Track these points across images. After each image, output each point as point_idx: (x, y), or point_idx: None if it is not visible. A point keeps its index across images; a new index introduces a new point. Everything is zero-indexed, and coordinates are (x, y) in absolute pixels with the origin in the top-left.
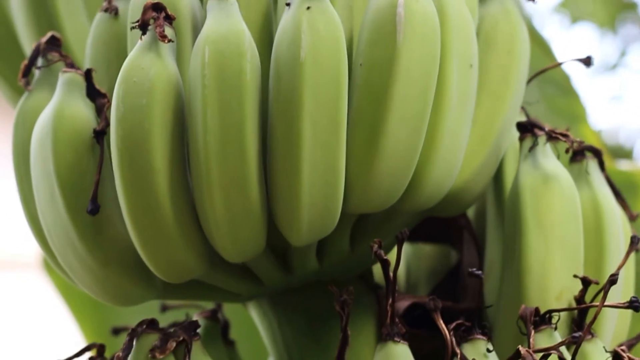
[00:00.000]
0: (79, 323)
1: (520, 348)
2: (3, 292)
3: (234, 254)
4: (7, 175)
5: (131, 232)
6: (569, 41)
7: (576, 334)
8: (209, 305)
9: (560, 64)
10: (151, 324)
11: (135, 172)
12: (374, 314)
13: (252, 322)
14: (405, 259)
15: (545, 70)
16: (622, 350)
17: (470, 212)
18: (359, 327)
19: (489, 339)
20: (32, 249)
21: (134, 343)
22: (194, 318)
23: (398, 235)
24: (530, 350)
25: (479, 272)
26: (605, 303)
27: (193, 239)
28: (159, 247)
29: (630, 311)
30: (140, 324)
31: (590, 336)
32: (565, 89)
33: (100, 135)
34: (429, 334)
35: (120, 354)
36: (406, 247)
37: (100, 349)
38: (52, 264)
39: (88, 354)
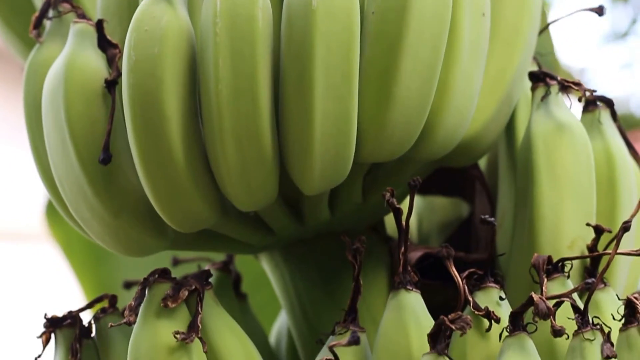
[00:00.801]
0: (81, 282)
1: (533, 295)
2: (8, 263)
3: (246, 202)
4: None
5: (143, 182)
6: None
7: (589, 280)
8: (221, 259)
9: (573, 14)
10: (163, 274)
11: (147, 120)
12: (386, 266)
13: (263, 275)
14: (417, 212)
15: (557, 21)
16: (635, 297)
17: (482, 164)
18: (371, 279)
19: (502, 288)
20: (36, 220)
21: (146, 292)
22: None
23: (410, 182)
24: (543, 297)
25: (492, 219)
26: (618, 251)
27: (205, 188)
28: (171, 196)
29: None
30: (152, 273)
31: (602, 285)
32: None
33: (112, 85)
34: (441, 285)
35: (132, 303)
36: (418, 200)
37: (112, 299)
38: (64, 215)
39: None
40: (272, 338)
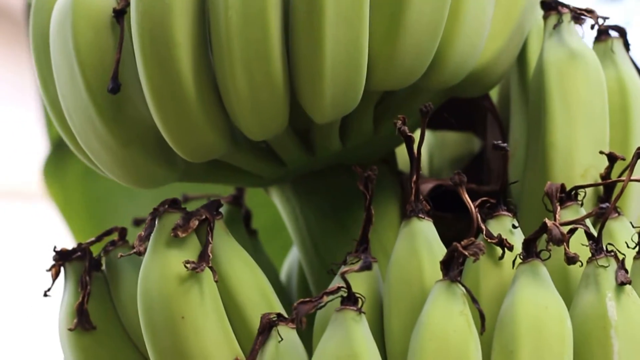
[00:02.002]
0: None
1: (547, 221)
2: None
3: (257, 131)
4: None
5: (152, 111)
6: None
7: (603, 205)
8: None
9: None
10: (173, 204)
11: (157, 48)
12: (397, 198)
13: (274, 213)
14: (428, 148)
15: None
16: None
17: (494, 97)
18: (382, 211)
19: (514, 216)
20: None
21: (156, 222)
22: None
23: (422, 108)
24: (557, 223)
25: (504, 144)
26: (632, 177)
27: (215, 117)
28: (181, 126)
29: None
30: (163, 203)
31: (616, 214)
32: None
33: (120, 14)
34: (453, 217)
35: (142, 233)
36: (429, 136)
37: (122, 232)
38: (72, 148)
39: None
40: (283, 275)
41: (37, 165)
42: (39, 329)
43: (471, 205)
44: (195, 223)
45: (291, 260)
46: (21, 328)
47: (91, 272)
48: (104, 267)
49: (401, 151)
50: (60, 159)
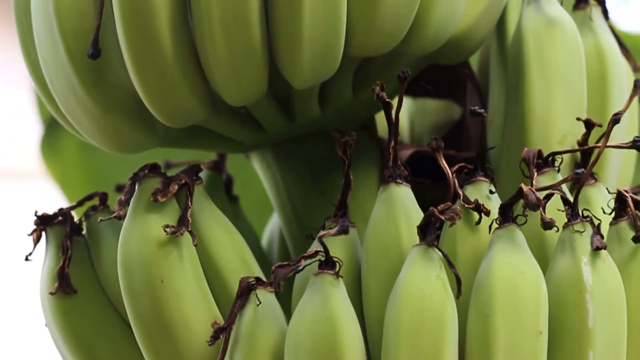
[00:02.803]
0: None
1: (523, 186)
2: (4, 202)
3: (236, 96)
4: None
5: (132, 76)
6: None
7: (579, 170)
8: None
9: None
10: (153, 168)
11: (136, 14)
12: (377, 165)
13: (255, 180)
14: (409, 115)
15: None
16: (626, 191)
17: (474, 64)
18: (361, 178)
19: (492, 182)
20: (28, 158)
21: (136, 187)
22: None
23: (400, 74)
24: (533, 189)
25: (481, 110)
26: (608, 143)
27: (194, 82)
28: (160, 90)
29: (633, 161)
30: (142, 168)
31: (593, 180)
32: None
33: None
34: (431, 183)
35: (122, 197)
36: (409, 103)
37: (103, 197)
38: (53, 113)
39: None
40: (264, 241)
41: (31, 145)
42: (30, 307)
43: (448, 171)
44: (174, 188)
45: (272, 227)
46: (18, 312)
47: (72, 236)
48: (85, 232)
49: (381, 118)
50: (55, 135)
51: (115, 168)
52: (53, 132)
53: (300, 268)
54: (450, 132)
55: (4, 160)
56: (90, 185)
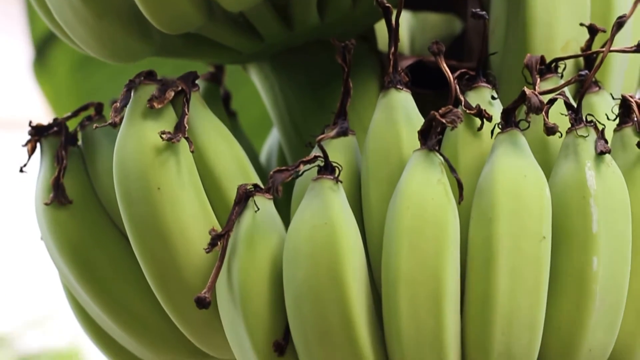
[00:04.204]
0: None
1: (526, 89)
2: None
3: (232, 1)
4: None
5: None
6: None
7: (582, 72)
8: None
9: None
10: (149, 75)
11: None
12: (377, 77)
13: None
14: (410, 30)
15: None
16: (630, 96)
17: None
18: (361, 89)
19: (494, 88)
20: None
21: (132, 94)
22: None
23: None
24: (536, 92)
25: (483, 12)
26: (612, 48)
27: None
28: None
29: (638, 69)
30: (138, 75)
31: (597, 88)
32: None
33: None
34: (433, 94)
35: (118, 104)
36: (410, 18)
37: (99, 107)
38: (48, 24)
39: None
40: (263, 157)
41: (26, 95)
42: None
43: (450, 75)
44: (171, 94)
45: (271, 142)
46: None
47: (67, 146)
48: (80, 142)
49: (381, 31)
50: (48, 56)
51: (108, 89)
52: (45, 53)
53: (299, 174)
54: (452, 46)
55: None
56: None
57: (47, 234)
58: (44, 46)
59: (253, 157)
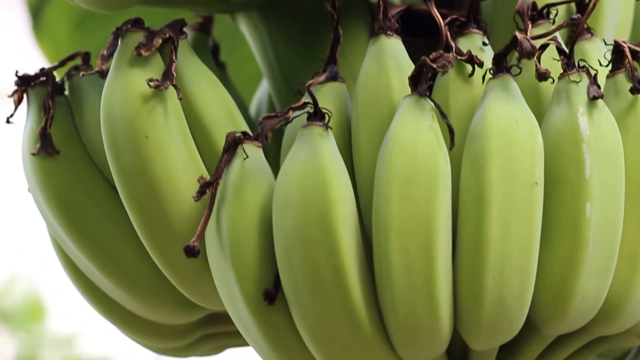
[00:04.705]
0: None
1: (517, 34)
2: None
3: None
4: None
5: None
6: None
7: (574, 16)
8: None
9: None
10: (136, 23)
11: None
12: (367, 26)
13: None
14: None
15: None
16: (623, 42)
17: None
18: (351, 38)
19: (485, 34)
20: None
21: (119, 42)
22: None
23: None
24: (527, 37)
25: None
26: None
27: None
28: None
29: (631, 17)
30: (125, 23)
31: (589, 35)
32: None
33: None
34: (424, 42)
35: (105, 52)
36: None
37: (86, 56)
38: None
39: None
40: (252, 109)
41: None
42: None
43: (440, 20)
44: (158, 41)
45: (260, 94)
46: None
47: (54, 96)
48: (67, 92)
49: None
50: (45, 17)
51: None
52: (41, 15)
53: (288, 120)
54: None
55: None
56: None
57: (34, 185)
58: (39, 9)
59: (243, 109)
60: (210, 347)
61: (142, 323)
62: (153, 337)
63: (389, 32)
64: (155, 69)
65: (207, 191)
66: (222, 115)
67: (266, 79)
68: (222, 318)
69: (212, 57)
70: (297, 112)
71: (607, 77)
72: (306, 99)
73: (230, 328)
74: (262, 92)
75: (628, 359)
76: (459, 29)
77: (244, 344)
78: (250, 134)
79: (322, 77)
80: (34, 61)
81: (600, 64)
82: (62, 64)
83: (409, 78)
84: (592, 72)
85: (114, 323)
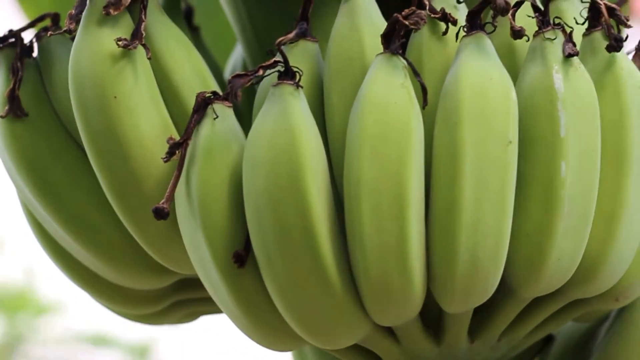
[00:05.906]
0: None
1: None
2: None
3: None
4: None
5: None
6: None
7: None
8: None
9: None
10: None
11: None
12: None
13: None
14: None
15: None
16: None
17: None
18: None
19: None
20: None
21: (87, 1)
22: None
23: None
24: None
25: None
26: None
27: None
28: None
29: None
30: None
31: None
32: None
33: None
34: (398, 1)
35: (73, 11)
36: None
37: (55, 18)
38: None
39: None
40: (227, 73)
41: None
42: None
43: None
44: (127, 0)
45: (235, 58)
46: None
47: (23, 58)
48: (36, 54)
49: None
50: None
51: None
52: None
53: (259, 79)
54: None
55: None
56: None
57: (3, 148)
58: None
59: (218, 74)
60: (184, 314)
61: (113, 289)
62: (124, 304)
63: None
64: (124, 28)
65: (177, 152)
66: (192, 76)
67: (239, 42)
68: (194, 284)
69: (185, 20)
70: (269, 71)
71: (584, 35)
72: (278, 58)
73: (202, 294)
74: (236, 57)
75: (606, 324)
76: None
77: (218, 311)
78: (221, 94)
79: (292, 34)
80: (2, 23)
81: (577, 22)
82: (30, 25)
83: (381, 36)
84: (568, 30)
85: (84, 289)
